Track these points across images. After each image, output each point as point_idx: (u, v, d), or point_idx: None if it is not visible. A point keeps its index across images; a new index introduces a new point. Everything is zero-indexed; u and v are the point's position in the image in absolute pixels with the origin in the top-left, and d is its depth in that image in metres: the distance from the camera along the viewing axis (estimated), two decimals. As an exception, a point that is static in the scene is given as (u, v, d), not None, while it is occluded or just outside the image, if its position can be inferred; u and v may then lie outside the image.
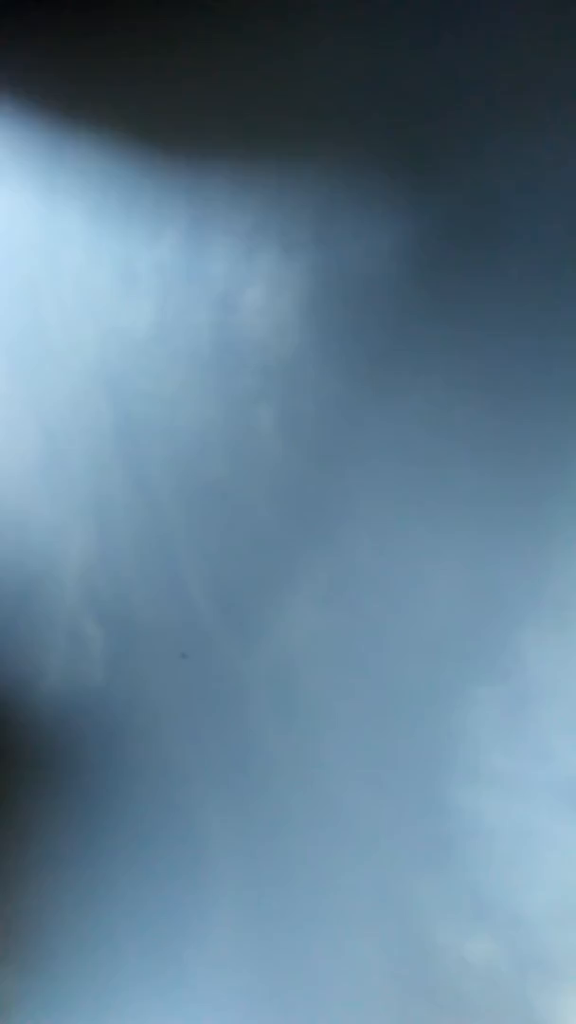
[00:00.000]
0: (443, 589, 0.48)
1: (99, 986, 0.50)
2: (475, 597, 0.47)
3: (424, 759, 0.47)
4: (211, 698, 0.50)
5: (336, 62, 0.52)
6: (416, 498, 0.49)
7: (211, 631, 0.51)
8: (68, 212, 0.56)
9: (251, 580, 0.50)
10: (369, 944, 0.46)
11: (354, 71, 0.51)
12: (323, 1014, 0.46)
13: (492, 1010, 0.44)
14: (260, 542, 0.51)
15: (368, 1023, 0.45)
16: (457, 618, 0.47)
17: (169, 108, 0.55)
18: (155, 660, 0.51)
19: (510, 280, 0.48)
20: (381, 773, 0.47)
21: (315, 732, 0.48)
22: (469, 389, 0.49)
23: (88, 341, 0.55)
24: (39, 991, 0.51)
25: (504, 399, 0.48)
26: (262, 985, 0.47)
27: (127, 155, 0.55)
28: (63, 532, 0.54)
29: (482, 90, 0.48)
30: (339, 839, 0.47)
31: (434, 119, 0.49)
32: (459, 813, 0.46)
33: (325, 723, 0.48)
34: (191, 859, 0.49)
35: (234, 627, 0.50)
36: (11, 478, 0.55)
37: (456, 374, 0.49)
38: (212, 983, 0.48)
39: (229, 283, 0.53)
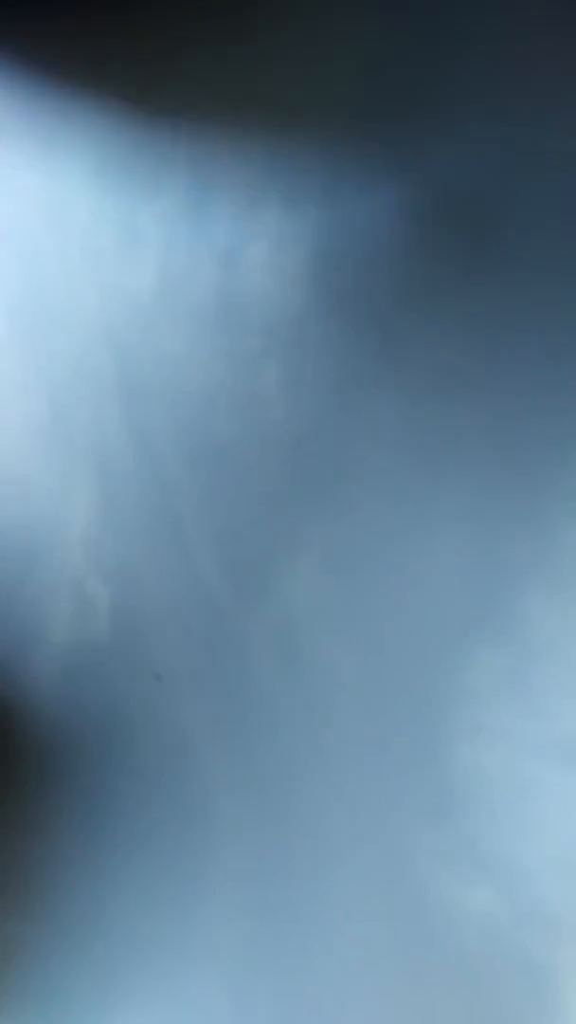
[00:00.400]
0: (448, 549, 0.48)
1: (102, 939, 0.51)
2: (480, 558, 0.48)
3: (427, 717, 0.47)
4: (215, 657, 0.51)
5: (343, 18, 0.51)
6: (422, 458, 0.49)
7: (215, 591, 0.51)
8: (71, 170, 0.55)
9: (256, 540, 0.51)
10: (370, 894, 0.47)
11: (363, 27, 0.50)
12: (323, 962, 0.47)
13: (491, 959, 0.45)
14: (265, 502, 0.51)
15: (368, 971, 0.47)
16: (462, 578, 0.48)
17: (171, 62, 0.54)
18: (159, 619, 0.52)
19: (522, 236, 0.47)
20: (384, 730, 0.48)
21: (319, 691, 0.49)
22: (479, 349, 0.49)
23: (91, 299, 0.54)
24: (40, 947, 0.52)
25: (514, 360, 0.48)
26: (263, 932, 0.48)
27: (129, 111, 0.54)
28: (67, 492, 0.54)
29: (493, 50, 0.47)
30: (342, 794, 0.48)
31: (445, 76, 0.48)
32: (461, 768, 0.46)
33: (329, 682, 0.49)
34: (195, 812, 0.50)
35: (238, 587, 0.51)
36: (14, 438, 0.55)
37: (466, 333, 0.49)
38: (216, 931, 0.49)
39: (232, 239, 0.52)
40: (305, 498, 0.50)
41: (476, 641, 0.47)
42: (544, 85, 0.47)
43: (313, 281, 0.51)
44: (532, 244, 0.47)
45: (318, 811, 0.48)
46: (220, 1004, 0.48)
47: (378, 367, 0.50)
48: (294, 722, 0.49)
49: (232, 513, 0.51)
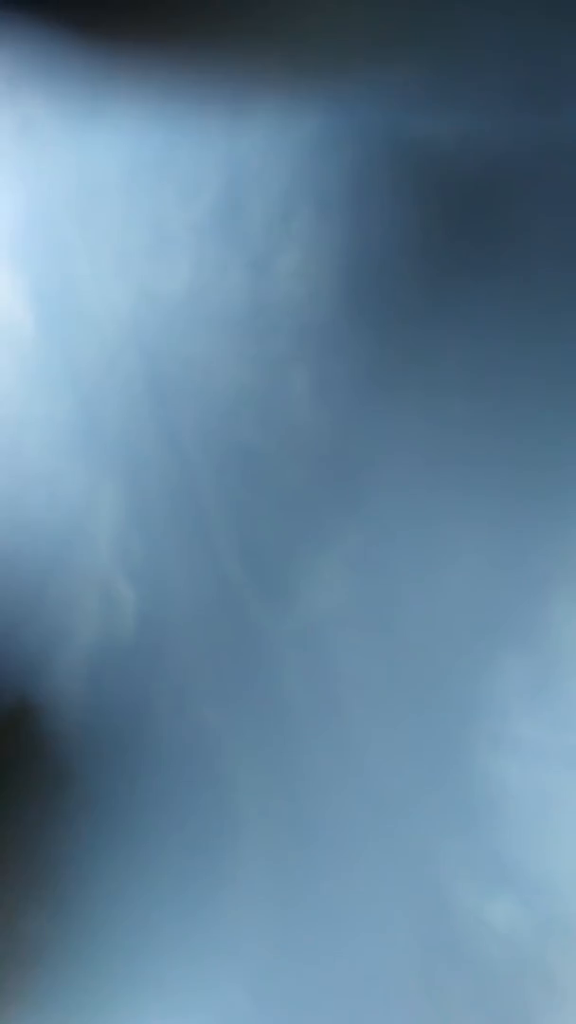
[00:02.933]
0: (474, 556, 0.48)
1: (125, 934, 0.51)
2: (505, 564, 0.47)
3: (449, 723, 0.47)
4: (240, 659, 0.51)
5: (378, 13, 0.51)
6: (449, 464, 0.49)
7: (241, 592, 0.51)
8: (103, 170, 0.55)
9: (281, 542, 0.51)
10: (391, 903, 0.47)
11: (396, 22, 0.50)
12: (344, 968, 0.47)
13: (512, 971, 0.44)
14: (291, 505, 0.51)
15: (388, 978, 0.46)
16: (486, 585, 0.48)
17: (205, 64, 0.54)
18: (185, 620, 0.52)
19: (553, 243, 0.47)
20: (407, 736, 0.48)
21: (342, 693, 0.49)
22: (506, 355, 0.49)
23: (121, 301, 0.54)
24: (64, 941, 0.52)
25: (541, 364, 0.48)
26: (284, 932, 0.48)
27: (162, 113, 0.55)
28: (95, 492, 0.54)
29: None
30: (365, 800, 0.48)
31: (485, 74, 0.48)
32: (484, 778, 0.46)
33: (352, 685, 0.49)
34: (218, 811, 0.50)
35: (263, 589, 0.51)
36: (44, 438, 0.56)
37: (493, 339, 0.49)
38: (238, 928, 0.49)
39: (264, 245, 0.53)
40: (331, 502, 0.50)
41: (500, 649, 0.47)
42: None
43: (343, 288, 0.51)
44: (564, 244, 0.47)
45: (340, 814, 0.48)
46: (241, 1000, 0.48)
47: (406, 373, 0.50)
48: (317, 724, 0.49)
49: (258, 515, 0.51)
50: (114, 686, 0.53)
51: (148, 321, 0.54)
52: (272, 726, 0.50)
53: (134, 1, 0.56)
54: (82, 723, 0.53)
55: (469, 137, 0.49)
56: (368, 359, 0.50)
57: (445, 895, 0.46)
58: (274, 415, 0.52)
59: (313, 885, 0.48)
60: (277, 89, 0.52)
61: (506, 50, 0.48)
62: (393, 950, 0.46)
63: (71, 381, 0.55)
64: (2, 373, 0.56)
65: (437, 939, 0.46)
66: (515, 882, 0.45)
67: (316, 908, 0.48)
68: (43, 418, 0.55)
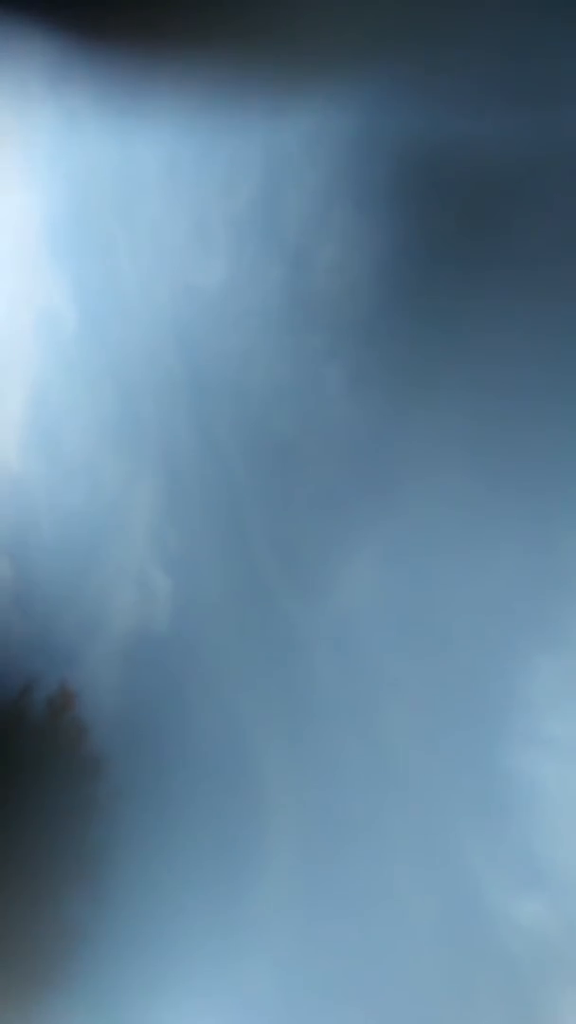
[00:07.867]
0: (508, 553, 0.48)
1: (156, 923, 0.52)
2: (540, 563, 0.47)
3: (482, 722, 0.47)
4: (272, 650, 0.51)
5: (421, 12, 0.51)
6: (485, 461, 0.49)
7: (274, 585, 0.51)
8: (145, 166, 0.56)
9: (315, 537, 0.51)
10: (420, 898, 0.47)
11: (441, 20, 0.50)
12: (370, 960, 0.47)
13: (539, 970, 0.44)
14: (326, 499, 0.51)
15: (416, 976, 0.46)
16: (521, 582, 0.47)
17: (246, 58, 0.54)
18: (219, 611, 0.52)
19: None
20: (439, 733, 0.48)
21: (374, 690, 0.49)
22: (546, 351, 0.48)
23: (161, 295, 0.55)
24: (98, 929, 0.53)
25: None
26: (312, 925, 0.48)
27: (203, 107, 0.55)
28: (133, 484, 0.55)
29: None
30: (394, 794, 0.48)
31: (520, 73, 0.48)
32: (513, 777, 0.46)
33: (384, 681, 0.49)
34: (249, 802, 0.50)
35: (297, 582, 0.51)
36: (84, 430, 0.56)
37: (533, 334, 0.48)
38: (266, 920, 0.49)
39: (303, 239, 0.53)
40: (366, 497, 0.50)
41: (534, 647, 0.47)
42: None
43: (382, 283, 0.51)
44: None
45: (370, 810, 0.48)
46: (268, 992, 0.49)
47: (443, 368, 0.50)
48: (347, 717, 0.49)
49: (293, 509, 0.52)
50: (149, 674, 0.53)
51: (187, 315, 0.54)
52: (303, 718, 0.50)
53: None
54: (116, 710, 0.53)
55: (506, 135, 0.48)
56: (405, 354, 0.50)
57: (474, 892, 0.46)
58: (310, 409, 0.52)
59: (341, 878, 0.48)
60: (317, 85, 0.52)
61: (536, 48, 0.48)
62: (420, 945, 0.46)
63: (111, 374, 0.56)
64: (44, 366, 0.57)
65: (465, 936, 0.46)
66: (545, 881, 0.45)
67: (343, 900, 0.48)
68: (83, 410, 0.56)
